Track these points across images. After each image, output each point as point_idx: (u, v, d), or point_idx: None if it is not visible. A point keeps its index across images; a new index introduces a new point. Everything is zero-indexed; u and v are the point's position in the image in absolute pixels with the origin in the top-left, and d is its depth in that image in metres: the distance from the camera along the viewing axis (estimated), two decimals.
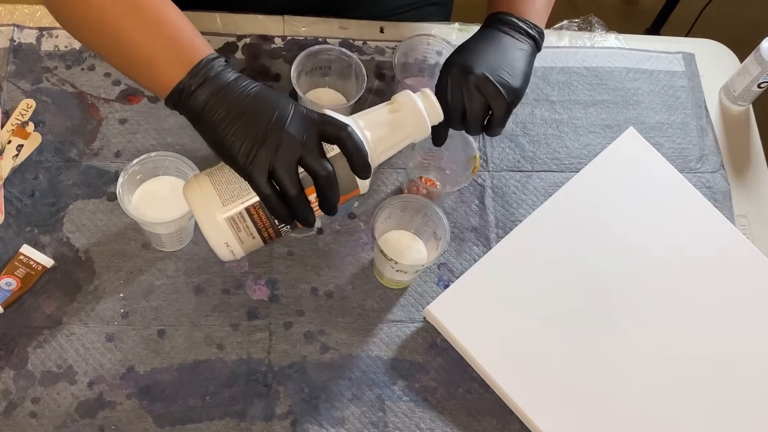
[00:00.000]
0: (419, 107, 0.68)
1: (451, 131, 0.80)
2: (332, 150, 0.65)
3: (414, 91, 0.70)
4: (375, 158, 0.67)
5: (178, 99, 0.64)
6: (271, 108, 0.63)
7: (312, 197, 0.65)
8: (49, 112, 0.88)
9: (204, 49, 0.65)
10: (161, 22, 0.65)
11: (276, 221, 0.66)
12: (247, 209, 0.65)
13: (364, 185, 0.67)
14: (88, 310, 0.79)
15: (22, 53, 0.90)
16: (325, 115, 0.65)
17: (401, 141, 0.69)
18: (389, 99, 0.94)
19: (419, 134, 0.69)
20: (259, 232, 0.66)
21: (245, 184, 0.64)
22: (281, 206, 0.63)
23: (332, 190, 0.64)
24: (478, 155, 0.82)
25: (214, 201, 0.64)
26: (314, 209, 0.66)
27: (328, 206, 0.65)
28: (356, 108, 0.93)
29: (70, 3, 0.66)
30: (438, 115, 0.70)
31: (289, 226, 0.67)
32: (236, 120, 0.62)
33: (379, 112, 0.68)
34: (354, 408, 0.78)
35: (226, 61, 0.66)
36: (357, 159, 0.64)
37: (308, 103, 0.85)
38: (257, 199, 0.64)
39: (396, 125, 0.68)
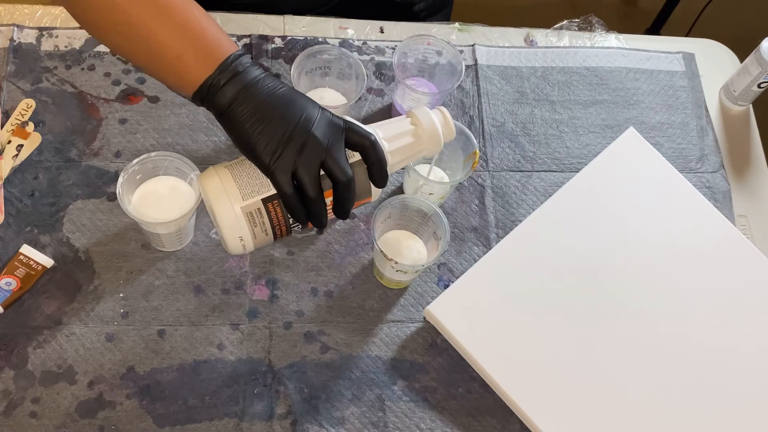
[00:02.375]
0: (436, 124, 0.70)
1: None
2: (352, 156, 0.66)
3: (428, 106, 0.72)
4: (389, 169, 0.68)
5: (207, 94, 0.65)
6: (299, 110, 0.64)
7: (327, 200, 0.66)
8: (49, 112, 0.88)
9: (230, 46, 0.66)
10: (187, 21, 0.66)
11: (290, 219, 0.67)
12: (265, 205, 0.66)
13: (375, 193, 0.69)
14: (88, 310, 0.79)
15: (22, 53, 0.90)
16: (350, 122, 0.66)
17: (415, 154, 0.71)
18: (389, 99, 0.95)
19: (432, 150, 0.71)
20: (273, 228, 0.67)
21: (265, 180, 0.65)
22: (300, 206, 0.64)
23: (349, 196, 0.65)
24: (478, 151, 0.82)
25: (234, 193, 0.65)
26: (327, 212, 0.67)
27: (343, 211, 0.66)
28: (356, 107, 0.93)
29: (93, 7, 0.66)
30: (451, 133, 0.72)
31: (300, 226, 0.68)
32: (264, 118, 0.63)
33: (397, 125, 0.70)
34: (354, 408, 0.78)
35: (252, 58, 0.66)
36: (377, 169, 0.66)
37: None
38: (275, 195, 0.65)
39: (413, 140, 0.70)
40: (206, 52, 0.65)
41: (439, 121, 0.71)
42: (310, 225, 0.67)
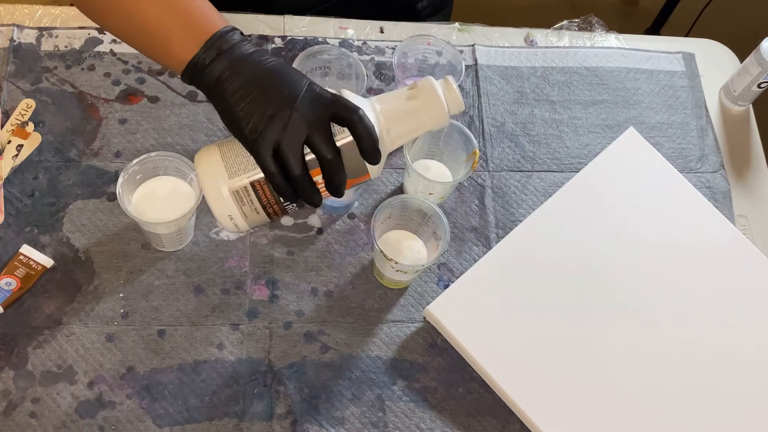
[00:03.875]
0: (438, 95, 0.65)
1: (451, 129, 0.81)
2: (344, 132, 0.64)
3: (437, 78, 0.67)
4: (388, 144, 0.65)
5: (193, 73, 0.64)
6: (284, 84, 0.62)
7: (319, 178, 0.64)
8: (49, 112, 0.88)
9: (218, 22, 0.65)
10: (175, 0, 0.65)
11: (281, 199, 0.66)
12: (252, 184, 0.65)
13: (374, 171, 0.66)
14: (88, 310, 0.79)
15: (22, 53, 0.90)
16: (338, 96, 0.64)
17: (417, 128, 0.66)
18: None
19: (437, 123, 0.66)
20: (264, 207, 0.66)
21: (253, 159, 0.64)
22: (285, 184, 0.63)
23: (336, 173, 0.63)
24: (478, 151, 0.82)
25: (221, 172, 0.65)
26: (321, 190, 0.65)
27: (333, 188, 0.64)
28: None
29: None
30: (459, 105, 0.67)
31: (295, 204, 0.66)
32: (247, 94, 0.62)
33: (397, 96, 0.66)
34: (354, 408, 0.78)
35: (242, 33, 0.66)
36: (366, 143, 0.63)
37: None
38: (263, 175, 0.64)
39: (413, 112, 0.66)
40: (192, 31, 0.64)
41: (443, 92, 0.66)
42: (306, 204, 0.65)
